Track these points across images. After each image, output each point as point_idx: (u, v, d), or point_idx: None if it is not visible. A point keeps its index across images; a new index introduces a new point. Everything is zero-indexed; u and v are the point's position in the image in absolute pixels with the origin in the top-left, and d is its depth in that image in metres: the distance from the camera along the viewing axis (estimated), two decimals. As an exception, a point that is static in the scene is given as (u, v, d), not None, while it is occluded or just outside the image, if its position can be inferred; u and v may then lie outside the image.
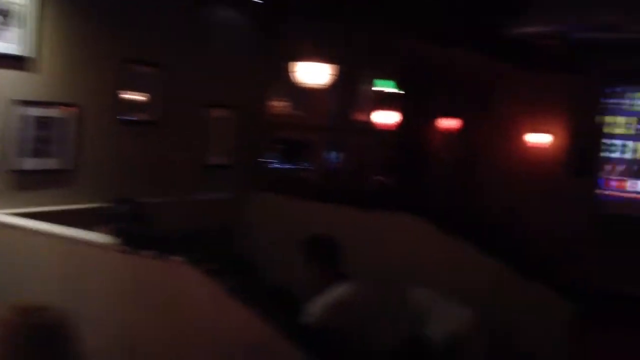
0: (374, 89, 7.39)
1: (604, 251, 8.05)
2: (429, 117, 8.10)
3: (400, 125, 7.51)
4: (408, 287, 4.17)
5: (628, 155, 8.11)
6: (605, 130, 8.16)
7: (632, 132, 8.07)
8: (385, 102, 7.45)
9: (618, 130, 8.13)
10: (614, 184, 8.20)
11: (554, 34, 6.04)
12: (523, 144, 8.59)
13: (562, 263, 7.38)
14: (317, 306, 3.18)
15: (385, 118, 7.43)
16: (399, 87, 7.63)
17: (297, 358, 2.53)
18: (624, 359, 5.94)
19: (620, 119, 8.11)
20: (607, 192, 8.22)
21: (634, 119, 8.03)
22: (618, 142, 8.14)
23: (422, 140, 8.00)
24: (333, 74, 4.70)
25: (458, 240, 4.78)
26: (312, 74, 4.49)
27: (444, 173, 8.03)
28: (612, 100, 8.12)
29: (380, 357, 3.39)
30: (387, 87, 7.59)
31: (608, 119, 8.15)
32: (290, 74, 4.64)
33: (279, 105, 5.81)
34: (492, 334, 4.10)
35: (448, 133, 8.33)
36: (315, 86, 4.64)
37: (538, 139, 8.49)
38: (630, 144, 8.10)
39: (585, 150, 8.23)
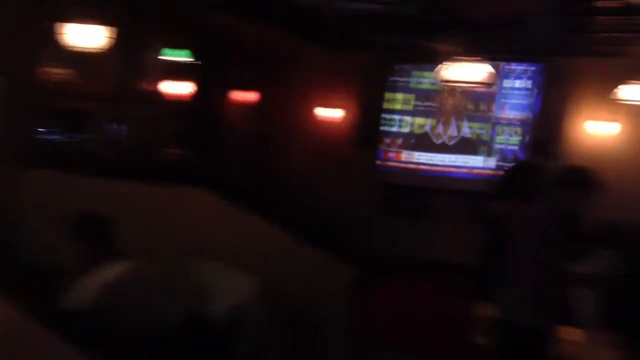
0: (166, 57, 7.09)
1: (385, 218, 8.69)
2: (225, 88, 8.00)
3: (195, 96, 7.32)
4: (194, 262, 4.10)
5: (402, 129, 8.77)
6: (388, 105, 8.71)
7: (407, 107, 8.72)
8: (179, 71, 7.19)
9: (396, 106, 8.73)
10: (394, 155, 8.82)
11: (321, 5, 6.23)
12: (316, 118, 8.90)
13: (348, 230, 7.82)
14: (86, 288, 2.95)
15: (179, 88, 7.18)
16: (194, 57, 7.41)
17: (54, 345, 2.33)
18: (401, 318, 6.43)
19: (399, 95, 8.72)
20: (388, 164, 8.82)
21: (408, 96, 8.67)
22: (396, 116, 8.75)
23: (218, 112, 7.89)
24: (110, 38, 4.36)
25: (248, 214, 4.80)
26: (85, 37, 4.13)
27: (240, 146, 8.01)
28: (397, 78, 8.66)
29: (160, 336, 3.27)
30: (181, 56, 7.33)
31: (390, 95, 8.71)
32: (61, 37, 4.23)
33: (55, 71, 5.31)
34: (278, 302, 4.19)
35: (245, 105, 8.32)
36: (90, 50, 4.28)
37: (330, 113, 8.84)
38: (408, 119, 8.74)
39: (370, 124, 8.73)
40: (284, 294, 4.33)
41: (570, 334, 3.72)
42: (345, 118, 8.94)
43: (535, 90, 8.22)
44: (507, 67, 8.33)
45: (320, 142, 8.86)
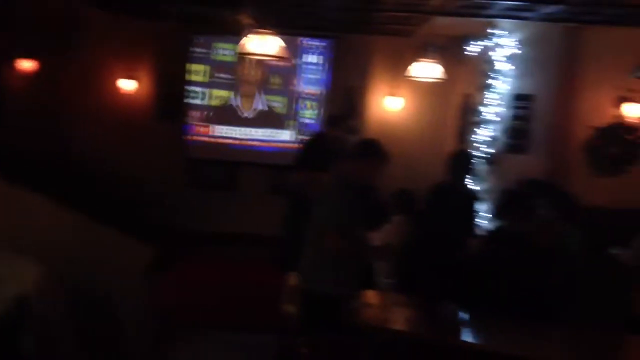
0: None
1: (190, 193, 8.54)
2: (1, 56, 7.18)
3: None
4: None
5: (205, 102, 8.61)
6: (189, 77, 8.47)
7: (208, 79, 8.57)
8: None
9: (197, 78, 8.53)
10: (199, 129, 8.63)
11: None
12: (111, 89, 8.38)
13: (150, 206, 7.55)
14: None
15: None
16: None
17: None
18: (209, 293, 6.38)
19: (200, 67, 8.52)
20: (193, 137, 8.62)
21: (209, 67, 8.51)
22: (198, 89, 8.56)
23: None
24: None
25: (32, 194, 4.37)
26: None
27: (21, 119, 7.27)
28: (197, 49, 8.44)
29: None
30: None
31: (191, 67, 8.47)
32: None
33: None
34: (73, 286, 3.90)
35: (26, 75, 7.55)
36: None
37: (127, 84, 8.38)
38: (213, 92, 8.59)
39: (171, 96, 8.43)
40: (78, 280, 4.03)
41: (368, 297, 3.92)
42: (145, 90, 8.52)
43: (330, 66, 8.52)
44: (305, 42, 8.52)
45: (119, 115, 8.37)
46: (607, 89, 6.82)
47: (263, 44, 4.80)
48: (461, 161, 4.99)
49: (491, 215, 5.63)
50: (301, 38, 8.46)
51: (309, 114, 8.66)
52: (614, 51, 6.60)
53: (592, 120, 6.86)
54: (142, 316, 4.37)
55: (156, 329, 4.67)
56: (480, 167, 6.90)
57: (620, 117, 6.85)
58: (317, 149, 6.11)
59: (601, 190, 6.64)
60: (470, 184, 5.17)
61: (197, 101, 8.53)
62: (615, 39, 6.57)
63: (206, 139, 8.62)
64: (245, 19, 5.18)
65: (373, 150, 3.92)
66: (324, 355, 3.40)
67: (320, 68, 8.59)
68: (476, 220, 5.28)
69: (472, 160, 5.05)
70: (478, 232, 5.74)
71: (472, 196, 5.23)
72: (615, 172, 6.81)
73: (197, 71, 8.47)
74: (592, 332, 3.72)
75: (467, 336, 3.57)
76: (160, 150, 8.33)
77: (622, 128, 6.80)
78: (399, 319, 3.67)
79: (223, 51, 8.49)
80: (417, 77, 6.60)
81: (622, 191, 6.77)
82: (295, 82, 8.60)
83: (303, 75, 8.60)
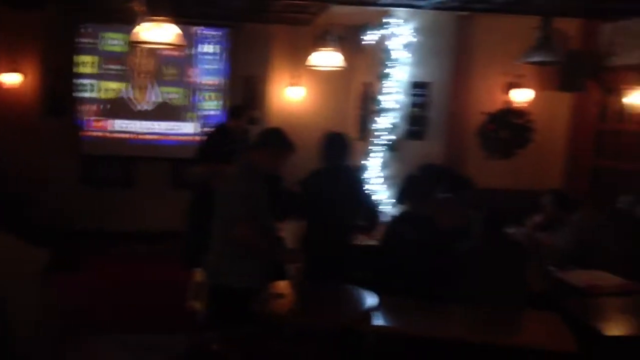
0: None
1: (85, 191, 8.15)
2: None
3: None
4: None
5: (95, 95, 8.20)
6: (77, 69, 8.03)
7: (98, 71, 8.16)
8: None
9: (86, 70, 8.10)
10: (92, 124, 8.23)
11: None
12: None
13: (43, 207, 7.17)
14: None
15: None
16: None
17: None
18: (111, 294, 6.13)
19: (88, 58, 8.09)
20: (86, 133, 8.20)
21: (98, 58, 8.10)
22: (87, 81, 8.13)
23: None
24: None
25: None
26: None
27: None
28: (84, 40, 8.00)
29: None
30: None
31: (80, 58, 8.03)
32: None
33: None
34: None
35: None
36: None
37: (11, 78, 7.83)
38: (96, 83, 8.18)
39: (58, 89, 7.97)
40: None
41: (278, 288, 3.88)
42: (31, 83, 7.98)
43: (228, 55, 8.37)
44: (200, 31, 8.31)
45: (4, 110, 7.79)
46: (497, 76, 7.11)
47: (156, 32, 4.60)
48: (331, 144, 4.84)
49: (394, 200, 5.74)
50: (196, 27, 8.24)
51: (211, 105, 8.46)
52: (503, 38, 6.88)
53: (484, 106, 7.13)
54: (37, 318, 4.11)
55: (55, 332, 4.41)
56: (382, 153, 7.02)
57: (509, 102, 7.17)
58: (219, 141, 6.00)
59: (495, 173, 6.95)
60: (349, 166, 4.99)
61: (88, 94, 8.10)
62: (503, 26, 6.85)
63: (101, 134, 8.21)
64: (135, 7, 4.95)
65: (278, 139, 3.88)
66: (236, 350, 3.33)
67: (218, 58, 8.42)
68: (365, 201, 5.13)
69: (343, 142, 4.90)
70: (381, 216, 5.83)
71: (352, 177, 5.07)
72: (507, 155, 7.12)
73: (86, 63, 8.04)
74: (493, 308, 3.87)
75: (376, 320, 3.60)
76: (51, 147, 7.87)
77: (511, 113, 7.11)
78: (310, 309, 3.66)
79: (112, 41, 8.09)
80: (317, 66, 6.62)
81: (513, 173, 7.11)
82: (191, 72, 8.37)
83: (200, 65, 8.39)
